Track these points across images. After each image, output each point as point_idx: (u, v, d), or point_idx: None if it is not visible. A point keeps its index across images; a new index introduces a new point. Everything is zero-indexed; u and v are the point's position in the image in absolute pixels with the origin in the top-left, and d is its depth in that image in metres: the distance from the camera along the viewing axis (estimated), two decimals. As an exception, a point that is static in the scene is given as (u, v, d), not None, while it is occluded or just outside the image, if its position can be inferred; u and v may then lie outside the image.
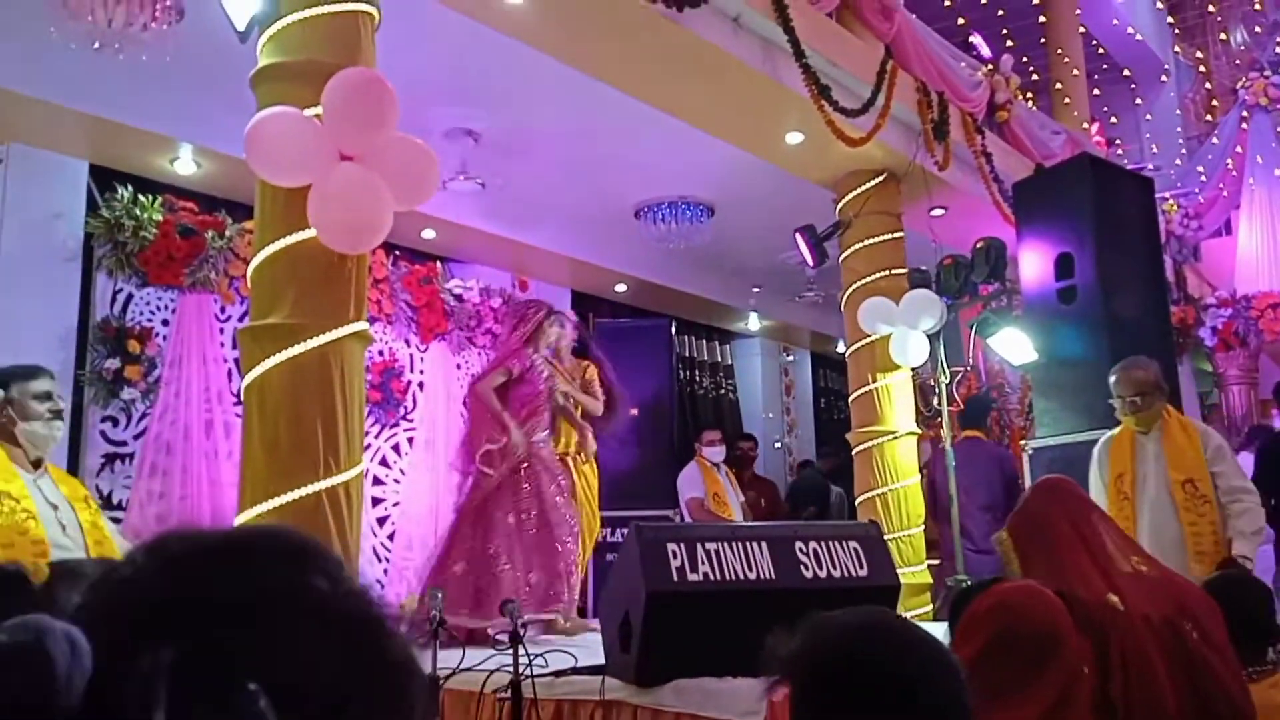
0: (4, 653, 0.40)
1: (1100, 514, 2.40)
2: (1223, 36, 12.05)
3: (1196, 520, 3.75)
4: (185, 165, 5.30)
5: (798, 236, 6.21)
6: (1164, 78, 12.82)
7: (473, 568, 4.56)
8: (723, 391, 9.19)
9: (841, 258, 6.30)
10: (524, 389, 4.87)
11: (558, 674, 3.14)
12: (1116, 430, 4.05)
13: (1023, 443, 5.18)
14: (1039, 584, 1.84)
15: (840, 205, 6.28)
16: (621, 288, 7.97)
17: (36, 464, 2.83)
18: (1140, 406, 3.92)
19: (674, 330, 7.67)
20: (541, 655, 3.00)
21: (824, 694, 1.07)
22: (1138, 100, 12.89)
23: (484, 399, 4.81)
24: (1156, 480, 3.86)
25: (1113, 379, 3.99)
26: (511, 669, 2.78)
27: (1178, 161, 11.69)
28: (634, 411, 7.13)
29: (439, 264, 6.64)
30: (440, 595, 2.91)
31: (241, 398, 3.42)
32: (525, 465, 4.74)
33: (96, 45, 3.81)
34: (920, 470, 6.24)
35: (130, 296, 5.19)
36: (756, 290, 8.59)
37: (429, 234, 6.46)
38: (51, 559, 2.48)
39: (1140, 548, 2.44)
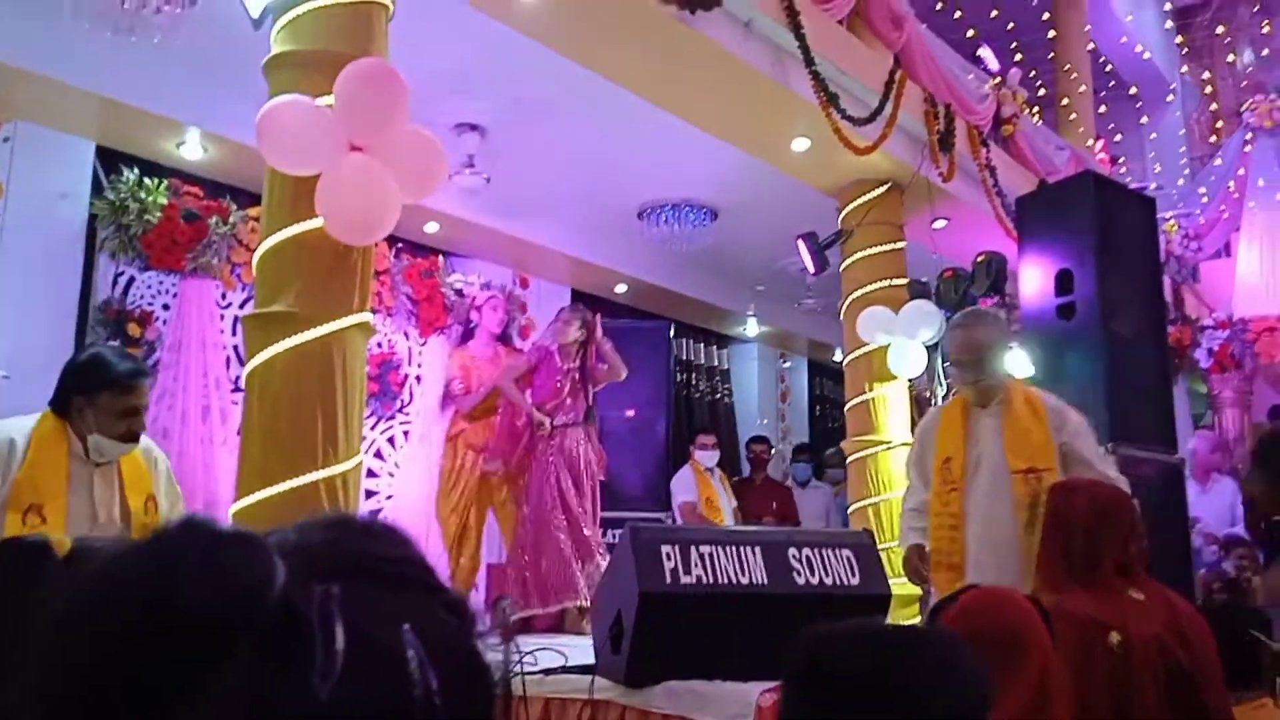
0: (238, 537, 0.45)
1: (1138, 541, 2.34)
2: (1230, 58, 12.09)
3: (1037, 522, 2.87)
4: (192, 150, 5.30)
5: (800, 243, 6.23)
6: (1170, 97, 12.86)
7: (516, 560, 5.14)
8: (719, 396, 9.19)
9: (842, 266, 6.31)
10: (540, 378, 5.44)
11: (547, 672, 3.15)
12: (947, 403, 3.41)
13: (1017, 457, 5.19)
14: (1008, 589, 1.86)
15: (843, 213, 6.30)
16: (622, 288, 7.98)
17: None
18: (978, 373, 3.19)
19: (672, 333, 7.69)
20: (531, 653, 3.01)
21: (826, 705, 1.08)
22: (1143, 119, 12.93)
23: (507, 391, 5.38)
24: (991, 468, 3.11)
25: (949, 338, 3.39)
26: (501, 665, 2.79)
27: (1180, 181, 11.72)
28: (630, 413, 7.15)
29: (440, 258, 6.64)
30: (509, 602, 2.97)
31: (242, 384, 3.43)
32: (545, 457, 5.27)
33: (110, 25, 3.81)
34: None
35: (132, 279, 5.19)
36: (759, 291, 8.60)
37: (431, 227, 6.46)
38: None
39: (1140, 579, 2.31)
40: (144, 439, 2.71)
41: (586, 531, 5.22)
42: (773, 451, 8.12)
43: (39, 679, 0.44)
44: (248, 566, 0.44)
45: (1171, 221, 9.91)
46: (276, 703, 0.42)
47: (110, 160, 5.17)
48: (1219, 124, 12.23)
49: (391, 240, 6.16)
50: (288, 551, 0.46)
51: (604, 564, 5.01)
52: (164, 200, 5.17)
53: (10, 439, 2.48)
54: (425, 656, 0.46)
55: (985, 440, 3.16)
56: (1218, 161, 10.68)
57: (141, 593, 0.44)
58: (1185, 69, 12.91)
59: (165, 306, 5.27)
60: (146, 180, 5.15)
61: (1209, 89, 12.59)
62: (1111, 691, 2.04)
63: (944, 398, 5.76)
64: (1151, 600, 2.22)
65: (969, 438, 3.17)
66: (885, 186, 6.16)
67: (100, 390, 2.53)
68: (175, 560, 0.44)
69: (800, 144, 5.72)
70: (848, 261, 6.27)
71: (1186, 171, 12.18)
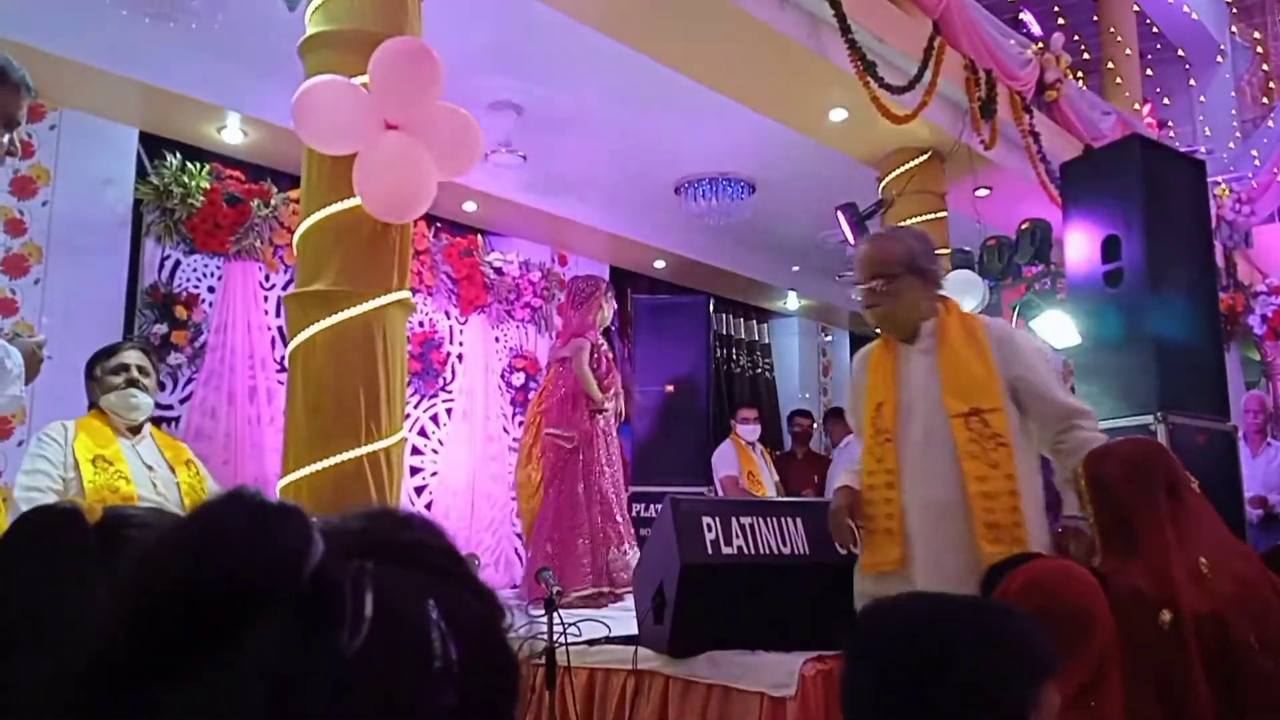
0: (286, 508, 0.48)
1: (1189, 492, 2.16)
2: (1282, 17, 11.75)
3: (986, 475, 2.49)
4: (233, 134, 5.36)
5: (839, 215, 6.17)
6: (1219, 58, 12.51)
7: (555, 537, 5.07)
8: (759, 370, 9.17)
9: (883, 237, 6.23)
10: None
11: (591, 642, 3.17)
12: (877, 341, 2.83)
13: (1063, 427, 5.12)
14: (1073, 563, 1.82)
15: (883, 184, 6.22)
16: (660, 264, 7.97)
17: (135, 430, 3.00)
18: (876, 299, 2.65)
19: (712, 308, 7.67)
20: (574, 624, 3.03)
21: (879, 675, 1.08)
22: (1191, 81, 12.60)
23: (583, 379, 5.21)
24: (926, 413, 2.59)
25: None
26: (546, 636, 2.82)
27: (1231, 145, 11.43)
28: (670, 388, 7.16)
29: (479, 237, 6.67)
30: (551, 573, 2.98)
31: (285, 363, 3.47)
32: (592, 439, 5.17)
33: (149, 13, 3.86)
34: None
35: (178, 263, 5.28)
36: (796, 269, 8.54)
37: (470, 206, 6.49)
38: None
39: (1219, 542, 2.12)
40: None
41: (618, 517, 5.18)
42: (814, 425, 8.09)
43: (91, 639, 0.47)
44: (287, 535, 0.47)
45: (1223, 186, 9.67)
46: (306, 658, 0.45)
47: (153, 146, 5.25)
48: (1270, 85, 11.89)
49: (430, 220, 6.20)
50: (328, 532, 0.49)
51: (629, 552, 5.04)
52: (206, 184, 5.25)
53: (62, 424, 2.91)
54: (447, 630, 0.48)
55: (916, 381, 2.62)
56: (1270, 123, 10.40)
57: (189, 554, 0.47)
58: (1235, 28, 12.55)
59: (210, 289, 5.35)
60: (189, 165, 5.23)
61: (1260, 49, 12.24)
62: (1158, 676, 1.95)
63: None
64: (1217, 572, 2.05)
65: (899, 379, 2.65)
66: (926, 155, 6.07)
67: (94, 365, 3.02)
68: (221, 526, 0.48)
69: (838, 114, 5.65)
70: (888, 232, 6.19)
71: (1237, 134, 11.87)
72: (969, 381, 2.55)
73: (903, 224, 6.07)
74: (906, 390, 2.63)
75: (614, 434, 5.36)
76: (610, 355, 5.48)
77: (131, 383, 2.98)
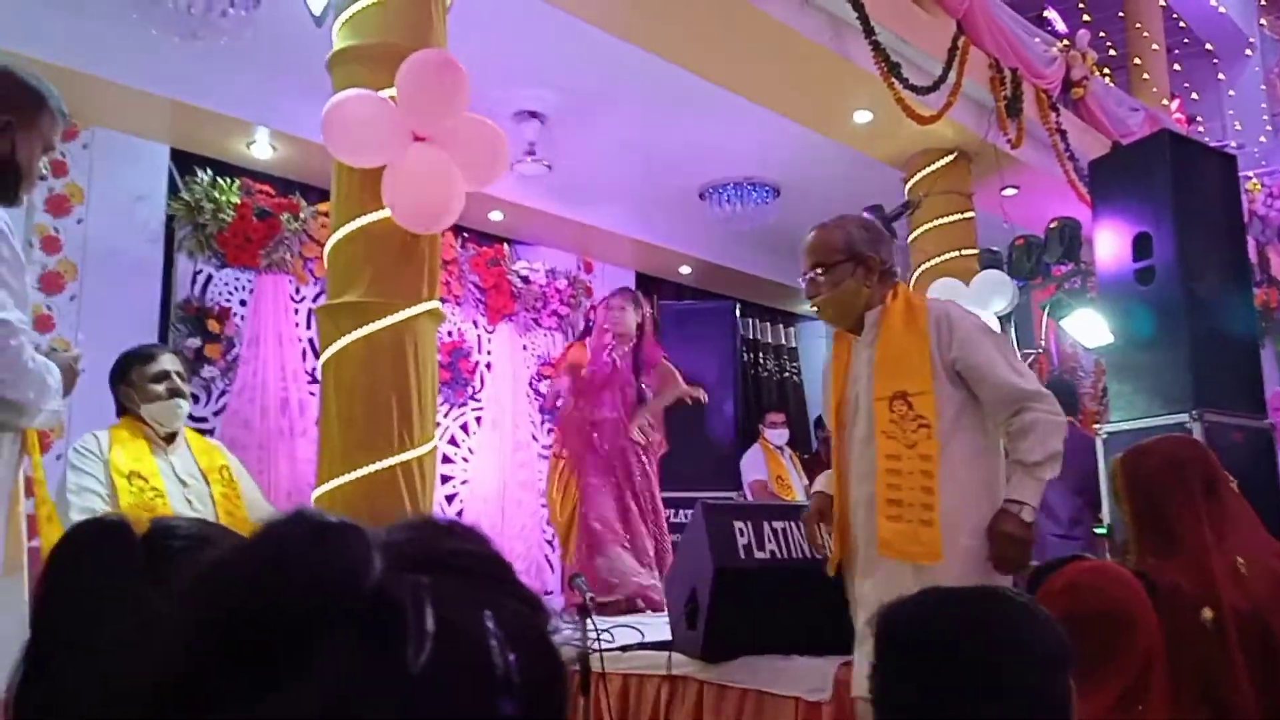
0: (346, 526, 0.49)
1: (1227, 490, 2.16)
2: (1312, 8, 11.59)
3: (898, 454, 2.41)
4: (262, 149, 5.42)
5: (865, 216, 6.14)
6: (1248, 52, 12.36)
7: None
8: (787, 374, 9.14)
9: (910, 238, 6.21)
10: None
11: (624, 649, 3.18)
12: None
13: (1096, 426, 5.07)
14: (1116, 564, 1.81)
15: (909, 185, 6.20)
16: (686, 269, 7.97)
17: (170, 439, 2.94)
18: (820, 286, 2.59)
19: (738, 312, 7.65)
20: (609, 630, 3.04)
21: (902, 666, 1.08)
22: (1220, 75, 12.46)
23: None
24: (866, 407, 2.52)
25: None
26: (580, 643, 2.82)
27: (1262, 139, 11.29)
28: (703, 396, 7.15)
29: (506, 246, 6.70)
30: (583, 579, 2.97)
31: (318, 375, 3.51)
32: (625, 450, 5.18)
33: (178, 36, 3.91)
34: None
35: (210, 277, 5.34)
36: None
37: (496, 216, 6.53)
38: None
39: (1256, 541, 2.12)
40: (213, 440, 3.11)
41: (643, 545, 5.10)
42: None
43: (153, 660, 0.48)
44: (348, 553, 0.48)
45: (1254, 180, 9.55)
46: (372, 677, 0.45)
47: (184, 162, 5.33)
48: (1302, 77, 11.74)
49: (457, 230, 6.23)
50: (379, 548, 0.50)
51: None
52: (237, 199, 5.31)
53: (95, 435, 2.88)
54: (504, 640, 0.49)
55: (861, 375, 2.55)
56: (1302, 116, 10.26)
57: (251, 574, 0.48)
58: (1264, 21, 12.40)
59: (242, 303, 5.41)
60: (219, 180, 5.30)
61: (1290, 41, 12.09)
62: (1201, 675, 1.94)
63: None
64: (1255, 571, 2.05)
65: (849, 374, 2.59)
66: (952, 155, 6.04)
67: (128, 371, 2.95)
68: (283, 545, 0.49)
69: (862, 116, 5.64)
70: (916, 233, 6.17)
71: (1269, 128, 11.71)
72: (896, 365, 2.47)
73: (928, 224, 6.05)
74: (854, 386, 2.57)
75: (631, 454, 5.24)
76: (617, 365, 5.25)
77: (175, 392, 2.94)
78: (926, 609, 1.12)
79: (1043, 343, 7.34)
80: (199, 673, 0.45)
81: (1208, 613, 1.97)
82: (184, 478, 2.90)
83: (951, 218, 6.06)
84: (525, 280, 6.66)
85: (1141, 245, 4.85)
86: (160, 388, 2.92)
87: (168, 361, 2.99)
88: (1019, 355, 2.52)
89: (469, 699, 0.47)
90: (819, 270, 2.59)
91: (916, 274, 6.13)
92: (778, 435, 6.82)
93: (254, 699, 0.44)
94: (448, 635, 0.47)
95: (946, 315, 2.49)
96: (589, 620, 2.78)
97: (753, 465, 6.70)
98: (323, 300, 3.54)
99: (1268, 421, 4.96)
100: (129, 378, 2.95)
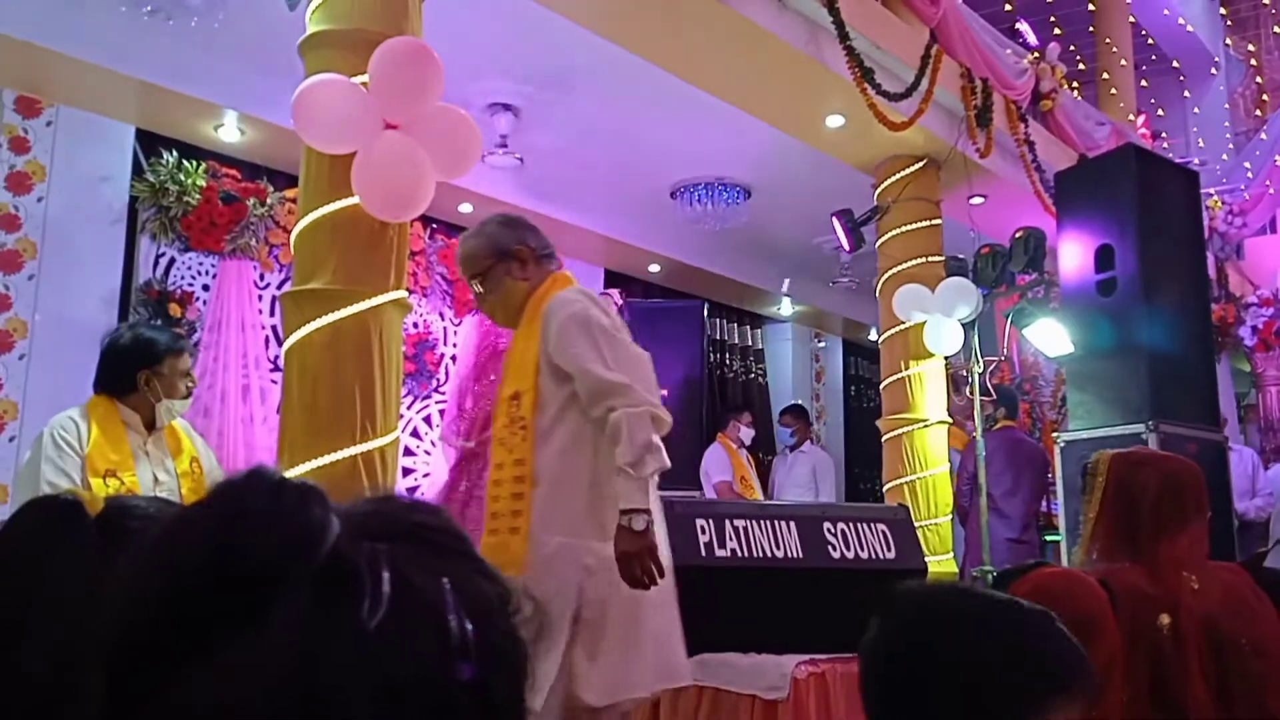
0: (305, 487, 0.49)
1: (1203, 520, 2.19)
2: (1276, 29, 11.80)
3: (501, 462, 2.39)
4: (229, 132, 5.36)
5: (835, 221, 6.18)
6: (1214, 70, 12.58)
7: None
8: (753, 375, 9.17)
9: (878, 243, 6.26)
10: None
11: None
12: None
13: (1055, 435, 5.14)
14: (1081, 571, 1.83)
15: (879, 190, 6.24)
16: (655, 268, 7.98)
17: (150, 425, 2.80)
18: (484, 295, 2.58)
19: (706, 312, 7.66)
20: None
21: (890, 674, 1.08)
22: (1186, 93, 12.67)
23: None
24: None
25: None
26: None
27: (1224, 156, 11.49)
28: (663, 392, 7.17)
29: (475, 238, 6.67)
30: None
31: (280, 363, 3.47)
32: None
33: (148, 9, 3.86)
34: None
35: (173, 260, 5.27)
36: (789, 279, 8.55)
37: (466, 208, 6.49)
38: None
39: (1210, 564, 2.16)
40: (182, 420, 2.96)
41: None
42: (811, 429, 8.10)
43: (106, 621, 0.47)
44: (306, 513, 0.48)
45: (1215, 197, 9.72)
46: (327, 636, 0.45)
47: (150, 143, 5.25)
48: (1264, 97, 11.96)
49: (426, 221, 6.20)
50: (340, 515, 0.49)
51: None
52: (202, 182, 5.24)
53: (74, 420, 2.71)
54: (462, 607, 0.49)
55: None
56: (1263, 135, 10.46)
57: (208, 531, 0.47)
58: (1229, 41, 12.62)
59: (205, 287, 5.35)
60: (185, 163, 5.22)
61: (1254, 61, 12.31)
62: (1153, 676, 1.98)
63: (980, 375, 5.72)
64: (1206, 584, 2.10)
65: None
66: (921, 163, 6.10)
67: (162, 359, 2.79)
68: (243, 503, 0.48)
69: (835, 120, 5.68)
70: (883, 239, 6.22)
71: (1231, 146, 11.93)
72: (512, 362, 2.45)
73: (896, 230, 6.10)
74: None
75: None
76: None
77: (190, 393, 2.86)
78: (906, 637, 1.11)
79: (1005, 351, 7.43)
80: (157, 625, 0.45)
81: (1165, 619, 2.01)
82: (158, 472, 2.80)
83: (919, 224, 6.12)
84: (494, 273, 6.63)
85: (1104, 257, 4.92)
86: (183, 386, 2.82)
87: (190, 363, 2.91)
88: (622, 345, 2.38)
89: (426, 659, 0.47)
90: (477, 280, 2.55)
91: (883, 280, 6.19)
92: (749, 434, 6.88)
93: (212, 653, 0.44)
94: (404, 598, 0.47)
95: (551, 307, 2.40)
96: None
97: (718, 465, 6.72)
98: (288, 287, 3.51)
99: (1221, 434, 5.06)
100: (160, 366, 2.77)
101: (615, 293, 5.84)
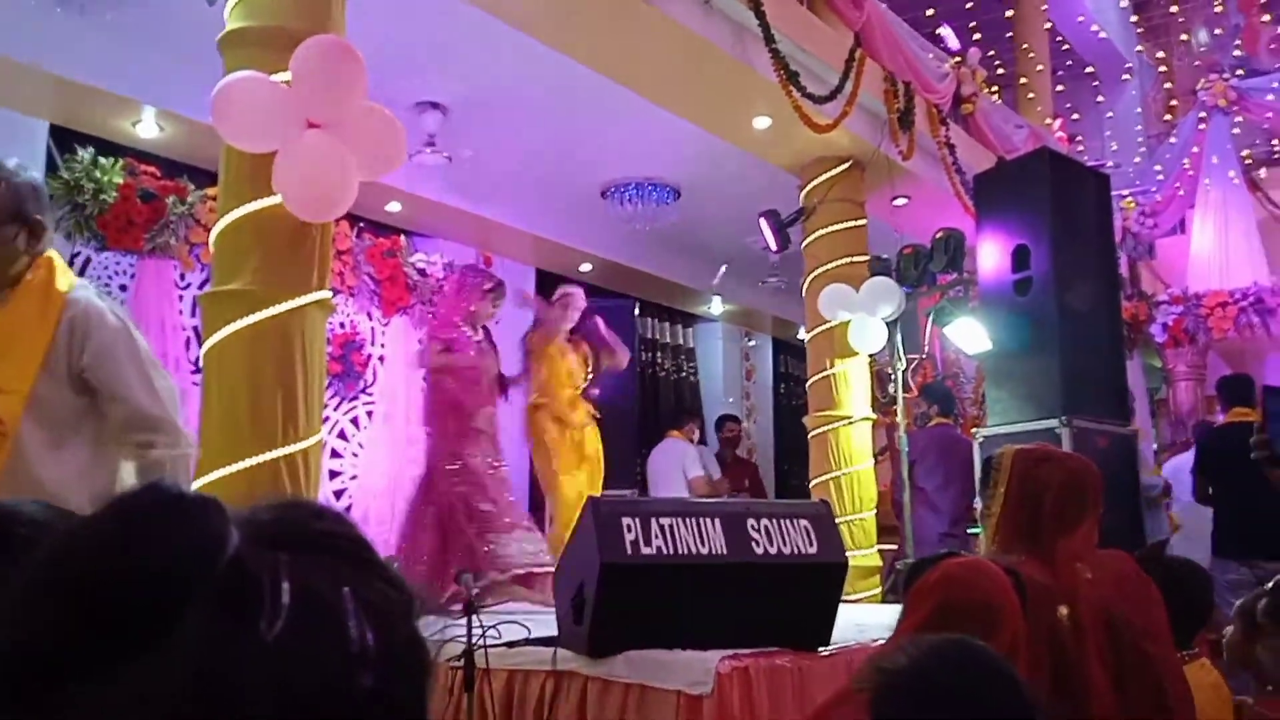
0: (203, 499, 0.49)
1: (1096, 519, 2.28)
2: (1184, 37, 12.24)
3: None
4: (148, 129, 5.23)
5: (762, 221, 6.27)
6: (1127, 76, 13.01)
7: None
8: (684, 374, 9.24)
9: (804, 244, 6.36)
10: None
11: (510, 644, 3.18)
12: None
13: (974, 430, 5.29)
14: (988, 560, 1.90)
15: (805, 191, 6.34)
16: (586, 267, 7.99)
17: None
18: None
19: (637, 311, 7.70)
20: (494, 626, 3.04)
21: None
22: (1100, 98, 13.07)
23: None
24: None
25: None
26: (465, 639, 2.81)
27: (1137, 159, 11.88)
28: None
29: (403, 237, 6.61)
30: (469, 575, 2.91)
31: (200, 364, 3.41)
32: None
33: (60, 6, 3.76)
34: (876, 455, 6.37)
35: (89, 260, 5.13)
36: (722, 270, 8.62)
37: (394, 207, 6.44)
38: None
39: (1092, 553, 2.26)
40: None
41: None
42: (744, 430, 8.20)
43: (3, 629, 0.47)
44: (204, 525, 0.48)
45: (1129, 199, 10.05)
46: (225, 650, 0.45)
47: (64, 140, 5.10)
48: (1174, 102, 12.39)
49: (353, 220, 6.13)
50: (240, 524, 0.50)
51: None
52: (120, 180, 5.11)
53: None
54: (363, 616, 0.49)
55: None
56: (1173, 139, 10.84)
57: (103, 542, 0.47)
58: (1141, 48, 13.06)
59: (123, 287, 5.22)
60: (102, 160, 5.08)
61: (1164, 68, 12.75)
62: (1054, 666, 2.06)
63: (904, 372, 5.85)
64: (1098, 572, 2.21)
65: None
66: (846, 164, 6.21)
67: None
68: (135, 515, 0.48)
69: (761, 122, 5.75)
70: (809, 239, 6.32)
71: (1143, 149, 12.34)
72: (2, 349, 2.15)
73: (822, 230, 6.21)
74: None
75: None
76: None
77: None
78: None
79: (927, 348, 7.61)
80: (51, 649, 0.45)
81: (1064, 610, 2.09)
82: None
83: (844, 225, 6.22)
84: (422, 273, 6.57)
85: (1020, 257, 5.08)
86: None
87: None
88: (160, 375, 2.30)
89: (326, 669, 0.47)
90: None
91: (809, 279, 6.28)
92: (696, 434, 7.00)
93: (112, 670, 0.44)
94: (304, 607, 0.48)
95: (85, 316, 2.18)
96: (473, 617, 2.77)
97: (692, 461, 6.80)
98: (209, 287, 3.45)
99: (1131, 429, 5.25)
100: None
101: (578, 292, 5.76)
